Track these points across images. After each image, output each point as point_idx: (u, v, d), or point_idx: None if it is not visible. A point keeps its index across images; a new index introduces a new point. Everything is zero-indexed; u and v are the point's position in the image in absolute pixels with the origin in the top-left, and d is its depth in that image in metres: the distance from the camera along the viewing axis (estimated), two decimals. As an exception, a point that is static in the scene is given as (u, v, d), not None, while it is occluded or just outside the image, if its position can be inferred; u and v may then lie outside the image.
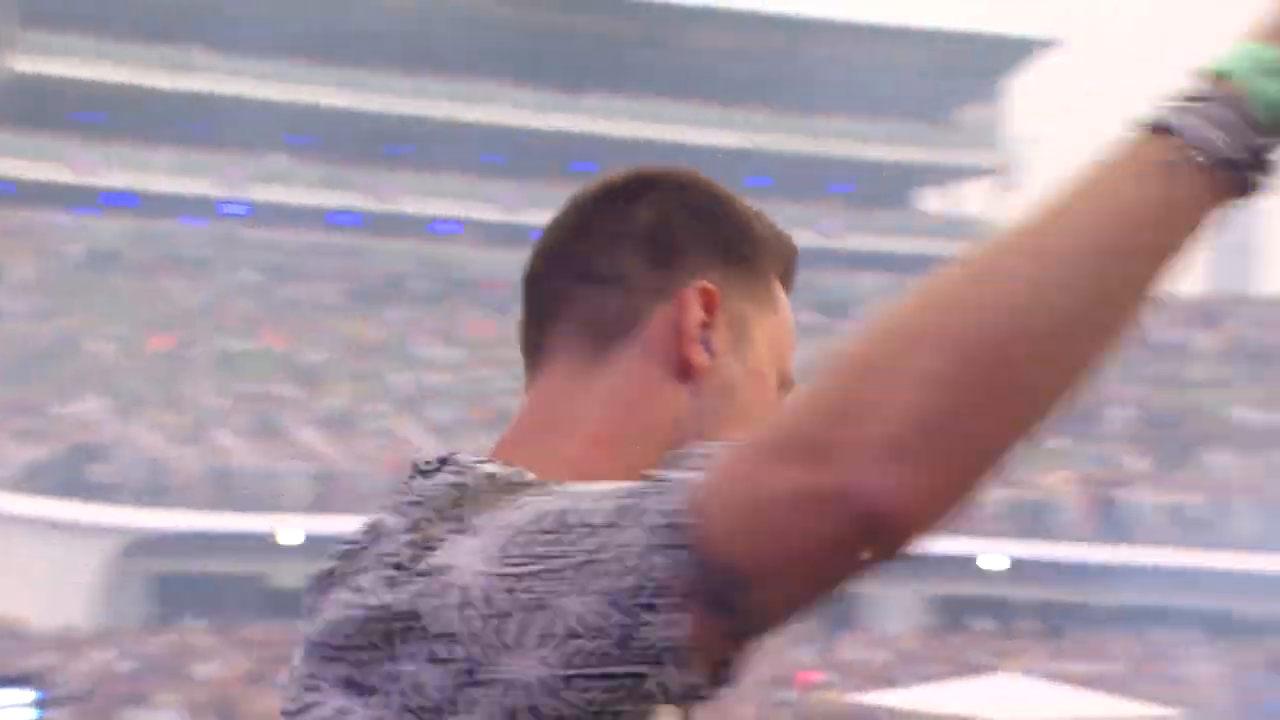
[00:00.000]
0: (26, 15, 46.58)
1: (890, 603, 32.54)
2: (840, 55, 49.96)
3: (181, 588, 33.43)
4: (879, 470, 0.89)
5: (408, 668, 1.03)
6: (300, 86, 48.27)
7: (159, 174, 48.26)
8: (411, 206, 49.05)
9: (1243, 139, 0.95)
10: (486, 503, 1.09)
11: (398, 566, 1.07)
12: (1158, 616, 30.65)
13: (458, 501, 1.10)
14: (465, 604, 1.02)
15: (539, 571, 1.01)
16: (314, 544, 29.14)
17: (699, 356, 1.25)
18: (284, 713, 1.14)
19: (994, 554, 32.95)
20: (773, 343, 1.34)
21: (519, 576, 1.01)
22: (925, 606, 33.71)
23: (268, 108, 47.13)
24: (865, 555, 0.95)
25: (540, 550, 1.01)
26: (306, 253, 46.79)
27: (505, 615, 1.01)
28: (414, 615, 1.04)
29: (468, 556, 1.04)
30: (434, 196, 49.64)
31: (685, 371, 1.25)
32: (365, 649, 1.07)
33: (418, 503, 1.12)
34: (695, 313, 1.25)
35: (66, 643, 26.91)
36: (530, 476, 1.12)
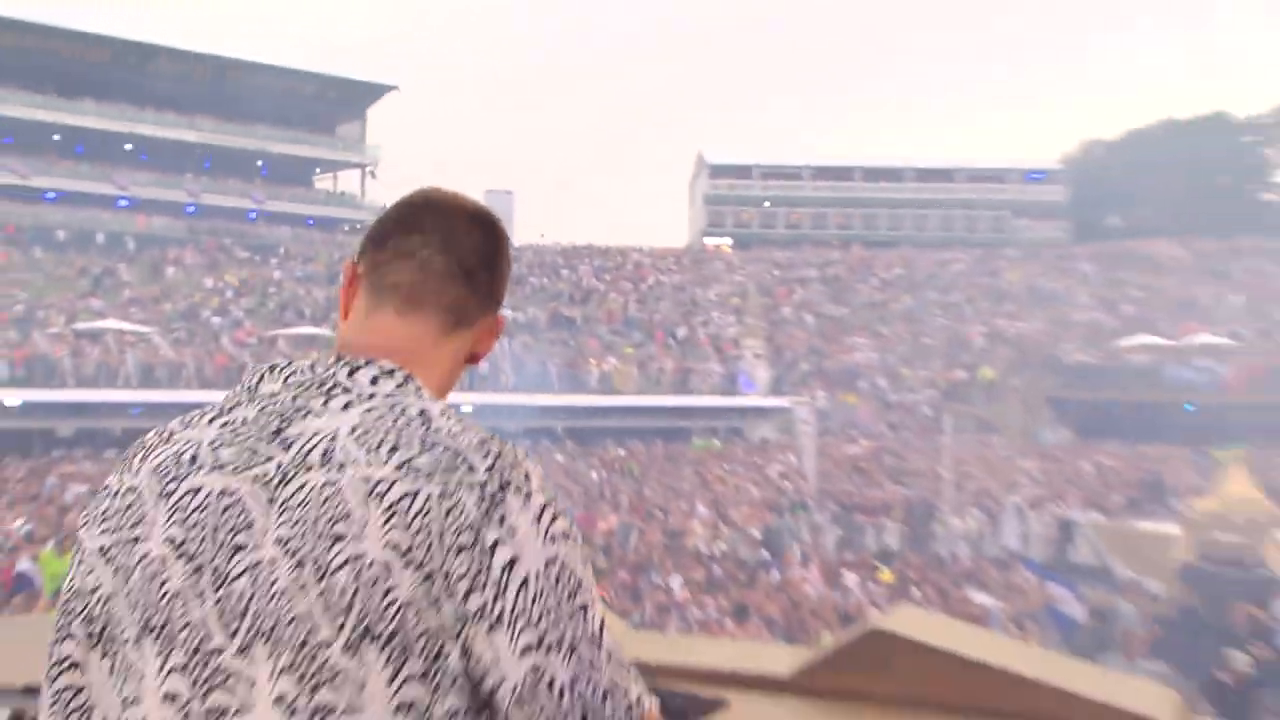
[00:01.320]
0: None
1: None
2: (260, 84, 49.25)
3: None
4: None
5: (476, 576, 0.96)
6: None
7: None
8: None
9: None
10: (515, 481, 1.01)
11: (490, 500, 0.99)
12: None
13: (508, 464, 1.02)
14: (528, 579, 0.97)
15: (571, 612, 0.98)
16: None
17: (486, 353, 1.24)
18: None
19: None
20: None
21: (556, 600, 0.98)
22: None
23: None
24: None
25: (563, 598, 0.98)
26: None
27: (547, 612, 0.97)
28: (493, 547, 0.96)
29: (530, 536, 0.98)
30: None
31: (475, 358, 1.22)
32: (436, 548, 0.96)
33: (496, 453, 1.02)
34: (498, 331, 1.24)
35: None
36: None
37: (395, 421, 1.04)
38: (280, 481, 1.02)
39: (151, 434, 1.14)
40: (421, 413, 1.06)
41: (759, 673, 2.13)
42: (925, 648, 1.97)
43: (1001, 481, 24.78)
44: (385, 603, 0.96)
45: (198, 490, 1.05)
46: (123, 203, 45.73)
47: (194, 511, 1.03)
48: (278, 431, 1.05)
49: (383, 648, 0.96)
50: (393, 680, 0.96)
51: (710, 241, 59.45)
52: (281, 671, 0.97)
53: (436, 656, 0.97)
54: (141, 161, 47.12)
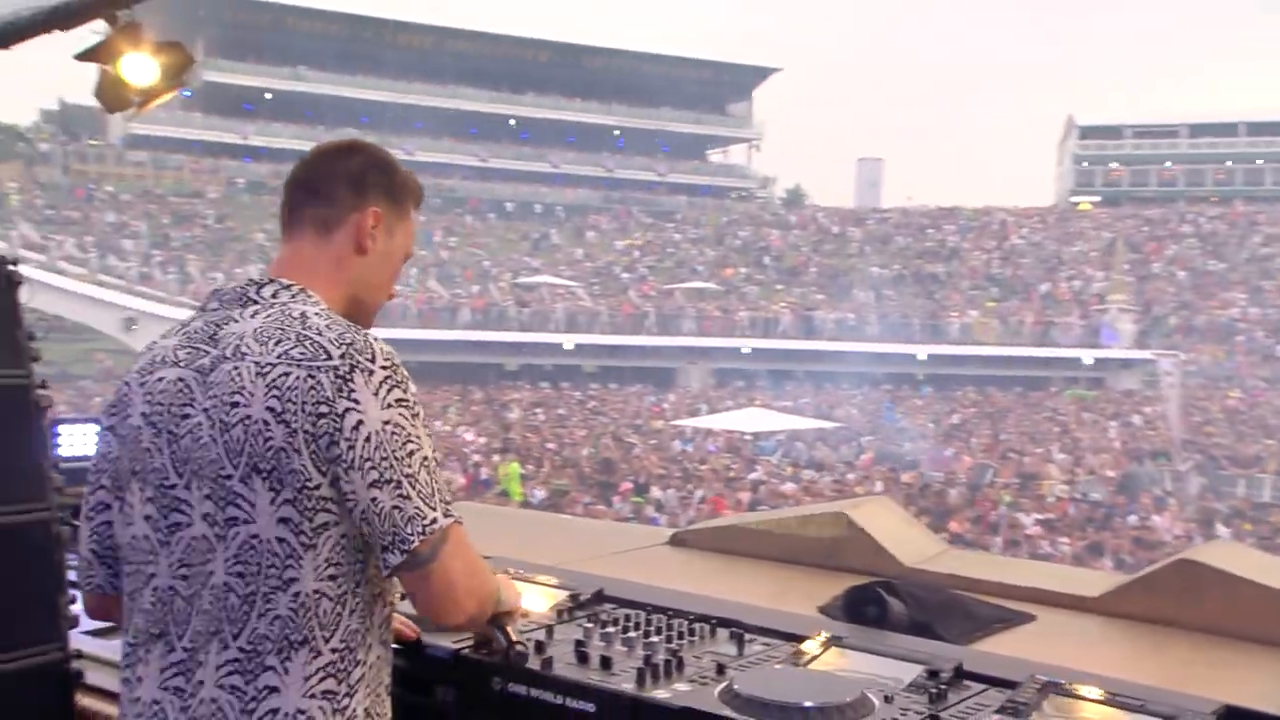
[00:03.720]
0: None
1: (692, 373, 31.97)
2: (663, 73, 50.57)
3: None
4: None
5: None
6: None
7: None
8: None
9: None
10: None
11: (342, 379, 1.24)
12: (827, 377, 29.48)
13: (357, 350, 1.26)
14: (371, 435, 1.22)
15: (400, 457, 1.23)
16: None
17: (368, 243, 1.38)
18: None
19: (743, 346, 31.60)
20: (404, 240, 1.44)
21: (391, 449, 1.22)
22: (710, 374, 32.02)
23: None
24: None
25: (395, 448, 1.23)
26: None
27: (384, 458, 1.23)
28: (344, 413, 1.23)
29: (372, 404, 1.23)
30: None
31: (362, 249, 1.39)
32: (301, 413, 1.23)
33: (348, 343, 1.26)
34: (370, 221, 1.38)
35: None
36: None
37: (282, 322, 1.27)
38: (210, 369, 1.28)
39: (143, 345, 1.42)
40: (301, 314, 1.28)
41: (1067, 592, 2.05)
42: (1238, 579, 1.79)
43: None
44: (265, 448, 1.22)
45: (160, 379, 1.33)
46: (555, 178, 49.08)
47: (159, 394, 1.31)
48: (212, 336, 1.31)
49: (264, 479, 1.22)
50: (273, 501, 1.23)
51: (1077, 200, 54.67)
52: (206, 497, 1.26)
53: (303, 487, 1.22)
54: (569, 143, 50.32)
